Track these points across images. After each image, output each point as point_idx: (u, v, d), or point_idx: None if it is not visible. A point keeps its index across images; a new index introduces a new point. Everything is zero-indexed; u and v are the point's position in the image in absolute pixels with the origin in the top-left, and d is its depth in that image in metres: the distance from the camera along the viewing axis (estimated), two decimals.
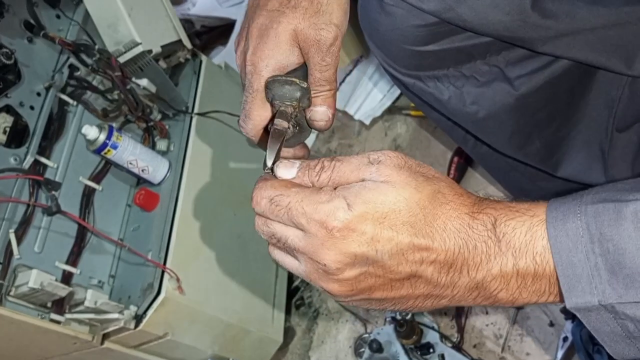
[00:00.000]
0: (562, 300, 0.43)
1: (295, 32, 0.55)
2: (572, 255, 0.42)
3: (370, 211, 0.44)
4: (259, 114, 0.57)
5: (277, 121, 0.54)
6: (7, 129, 1.01)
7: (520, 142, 0.83)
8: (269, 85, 0.55)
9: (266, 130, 0.58)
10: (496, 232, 0.44)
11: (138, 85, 1.15)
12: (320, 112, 0.57)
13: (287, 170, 0.49)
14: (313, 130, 0.58)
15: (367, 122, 1.51)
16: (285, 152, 0.60)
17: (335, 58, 0.56)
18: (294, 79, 0.54)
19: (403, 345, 1.13)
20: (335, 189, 0.46)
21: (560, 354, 1.04)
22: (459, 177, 1.30)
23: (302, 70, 0.56)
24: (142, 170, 1.12)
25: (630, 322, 0.41)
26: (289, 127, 0.54)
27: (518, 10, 0.67)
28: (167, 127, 1.23)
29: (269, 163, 0.51)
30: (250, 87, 0.56)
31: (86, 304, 0.95)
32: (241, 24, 0.60)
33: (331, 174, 0.47)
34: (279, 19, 0.55)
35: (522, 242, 0.44)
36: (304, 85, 0.54)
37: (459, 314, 1.18)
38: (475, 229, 0.44)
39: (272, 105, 0.56)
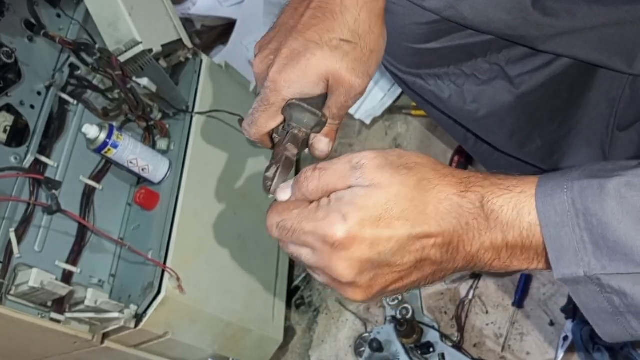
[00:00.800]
0: (549, 267, 0.45)
1: (328, 71, 0.56)
2: (559, 228, 0.44)
3: (365, 217, 0.46)
4: (266, 124, 0.59)
5: (289, 146, 0.57)
6: (8, 128, 1.01)
7: (521, 140, 0.83)
8: (291, 106, 0.57)
9: (269, 133, 0.61)
10: (484, 209, 0.46)
11: (138, 84, 1.15)
12: (323, 142, 0.60)
13: (284, 193, 0.52)
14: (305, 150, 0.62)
15: (368, 122, 1.51)
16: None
17: (349, 104, 0.59)
18: (316, 111, 0.57)
19: (403, 345, 1.13)
20: (329, 197, 0.48)
21: (560, 353, 1.04)
22: None
23: (319, 99, 0.58)
24: (143, 170, 1.12)
25: (616, 296, 0.43)
26: (298, 153, 0.58)
27: (519, 8, 0.67)
28: (167, 126, 1.23)
29: (272, 190, 0.54)
30: (266, 99, 0.57)
31: (86, 303, 0.95)
32: (269, 31, 0.61)
33: (318, 183, 0.49)
34: (315, 51, 0.56)
35: (509, 218, 0.46)
36: (324, 119, 0.58)
37: (459, 313, 1.18)
38: (464, 207, 0.47)
39: (287, 123, 0.59)
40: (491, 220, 0.46)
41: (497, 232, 0.46)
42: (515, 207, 0.46)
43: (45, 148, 1.06)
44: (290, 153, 0.57)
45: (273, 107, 0.57)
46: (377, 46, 0.58)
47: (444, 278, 0.50)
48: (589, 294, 0.44)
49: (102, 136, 1.06)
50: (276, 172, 0.55)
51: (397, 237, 0.46)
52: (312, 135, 0.60)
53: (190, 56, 1.30)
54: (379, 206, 0.46)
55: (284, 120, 0.59)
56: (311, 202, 0.49)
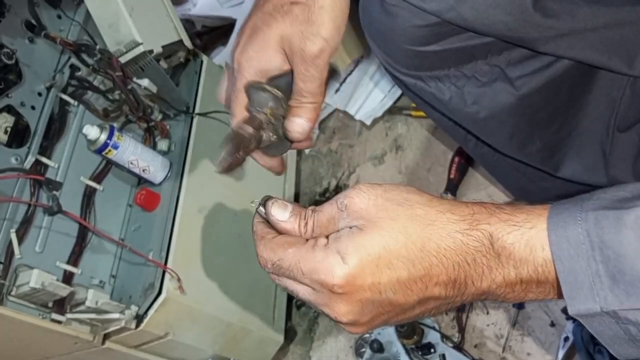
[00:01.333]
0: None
1: (282, 38, 0.54)
2: (574, 262, 0.42)
3: (363, 257, 0.44)
4: (241, 113, 0.56)
5: (241, 124, 0.53)
6: (8, 129, 1.01)
7: (521, 142, 0.83)
8: (248, 89, 0.54)
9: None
10: (494, 247, 0.44)
11: (139, 85, 1.15)
12: (296, 123, 0.56)
13: (280, 212, 0.49)
14: (289, 145, 0.58)
15: (368, 123, 1.51)
16: (260, 159, 0.60)
17: (320, 71, 0.54)
18: (268, 87, 0.54)
19: (404, 346, 1.13)
20: (327, 237, 0.47)
21: (561, 354, 1.04)
22: (460, 178, 1.30)
23: (287, 78, 0.55)
24: (143, 170, 1.12)
25: (633, 326, 0.41)
26: (256, 134, 0.54)
27: (519, 9, 0.67)
28: (168, 127, 1.23)
29: (216, 163, 0.51)
30: (234, 85, 0.55)
31: (87, 303, 0.95)
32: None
33: (313, 224, 0.48)
34: (269, 23, 0.54)
35: (522, 255, 0.44)
36: (278, 94, 0.54)
37: (460, 314, 1.18)
38: (470, 245, 0.44)
39: (248, 111, 0.56)
40: (503, 257, 0.44)
41: (510, 268, 0.44)
42: (528, 244, 0.43)
43: (45, 149, 1.06)
44: (241, 131, 0.53)
45: (240, 93, 0.55)
46: (329, 1, 0.54)
47: (450, 309, 0.49)
48: (605, 325, 0.42)
49: (103, 137, 1.06)
50: (227, 149, 0.52)
51: (398, 277, 0.44)
52: (287, 120, 0.56)
53: (190, 57, 1.30)
54: (376, 246, 0.44)
55: None
56: (307, 240, 0.48)
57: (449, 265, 0.44)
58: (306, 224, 0.48)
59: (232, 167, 0.53)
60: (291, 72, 0.55)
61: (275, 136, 0.55)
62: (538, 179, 0.90)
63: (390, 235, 0.44)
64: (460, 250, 0.44)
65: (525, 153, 0.84)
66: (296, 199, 1.57)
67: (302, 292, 0.47)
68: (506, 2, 0.67)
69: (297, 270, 0.46)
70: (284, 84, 0.55)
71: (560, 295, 0.44)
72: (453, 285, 0.45)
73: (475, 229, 0.45)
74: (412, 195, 0.46)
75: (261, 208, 0.50)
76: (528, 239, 0.44)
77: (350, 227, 0.46)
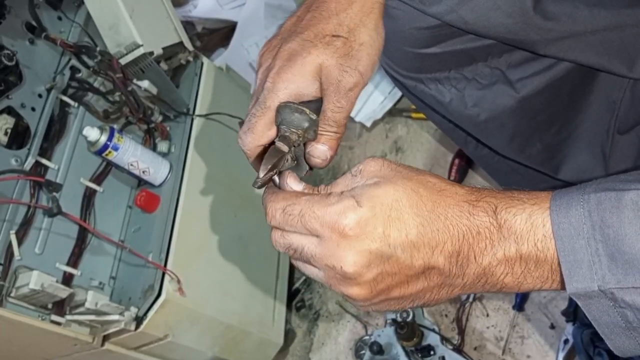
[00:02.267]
0: (564, 287, 0.44)
1: (321, 67, 0.55)
2: (574, 241, 0.43)
3: (377, 205, 0.45)
4: (263, 131, 0.57)
5: (278, 143, 0.55)
6: (9, 131, 1.01)
7: (521, 144, 0.83)
8: (280, 109, 0.55)
9: (264, 150, 0.58)
10: (497, 218, 0.45)
11: (139, 86, 1.15)
12: (320, 150, 0.57)
13: (296, 183, 0.51)
14: (307, 169, 0.59)
15: (368, 124, 1.51)
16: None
17: (350, 103, 0.57)
18: (305, 109, 0.55)
19: (404, 347, 1.13)
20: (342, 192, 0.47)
21: (560, 356, 1.04)
22: (460, 179, 1.30)
23: (316, 104, 0.57)
24: (143, 172, 1.12)
25: (630, 311, 0.42)
26: (288, 154, 0.55)
27: (520, 12, 0.67)
28: (168, 128, 1.23)
29: (261, 175, 0.52)
30: (263, 102, 0.56)
31: (87, 305, 0.95)
32: (271, 39, 0.61)
33: (327, 190, 0.49)
34: (310, 50, 0.55)
35: (523, 228, 0.45)
36: (314, 117, 0.55)
37: (460, 316, 1.18)
38: (476, 215, 0.45)
39: (278, 129, 0.56)
40: (504, 230, 0.45)
41: (511, 242, 0.45)
42: (529, 218, 0.45)
43: (46, 150, 1.06)
44: (280, 148, 0.54)
45: (270, 111, 0.56)
46: (368, 39, 0.57)
47: (451, 295, 0.49)
48: (602, 308, 0.43)
49: (103, 138, 1.06)
50: (262, 163, 0.53)
51: (407, 233, 0.45)
52: (310, 145, 0.57)
53: (191, 59, 1.30)
54: (389, 196, 0.45)
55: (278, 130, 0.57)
56: None
57: (454, 234, 0.45)
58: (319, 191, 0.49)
59: (267, 183, 0.54)
60: (319, 100, 0.57)
61: (295, 162, 0.57)
62: (538, 181, 0.90)
63: (403, 191, 0.46)
64: (467, 220, 0.45)
65: (525, 155, 0.84)
66: None
67: (308, 244, 0.47)
68: (506, 5, 0.67)
69: (309, 213, 0.46)
70: (313, 110, 0.56)
71: (557, 285, 0.45)
72: (457, 258, 0.45)
73: (482, 200, 0.46)
74: (424, 171, 0.49)
75: (275, 177, 0.52)
76: (530, 213, 0.45)
77: (362, 185, 0.47)
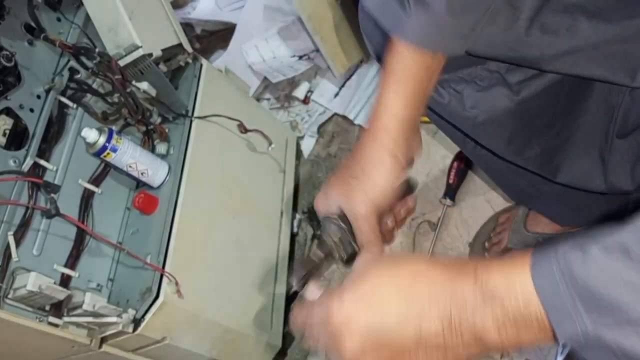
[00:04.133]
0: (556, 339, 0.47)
1: (340, 201, 0.71)
2: (553, 293, 0.45)
3: (357, 293, 0.50)
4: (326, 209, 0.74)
5: (314, 250, 0.69)
6: (7, 132, 1.01)
7: (519, 147, 0.83)
8: (322, 220, 0.71)
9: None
10: (477, 282, 0.48)
11: (138, 88, 1.15)
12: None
13: (311, 293, 0.59)
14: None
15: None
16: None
17: (370, 225, 0.69)
18: (336, 220, 0.69)
19: None
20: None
21: (559, 359, 1.04)
22: (459, 182, 1.30)
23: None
24: (142, 174, 1.12)
25: (620, 354, 0.43)
26: (325, 259, 0.69)
27: (518, 29, 0.68)
28: (166, 130, 1.23)
29: (294, 284, 0.66)
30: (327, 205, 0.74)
31: (84, 307, 0.95)
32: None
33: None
34: (336, 184, 0.73)
35: (504, 288, 0.47)
36: (343, 226, 0.69)
37: None
38: (458, 284, 0.48)
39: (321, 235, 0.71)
40: (487, 292, 0.47)
41: (496, 304, 0.46)
42: (509, 277, 0.47)
43: (44, 152, 1.05)
44: (314, 256, 0.68)
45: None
46: (382, 180, 0.70)
47: None
48: (595, 352, 0.45)
49: (102, 140, 1.06)
50: (296, 268, 0.67)
51: (390, 312, 0.48)
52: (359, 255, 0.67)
53: (190, 60, 1.30)
54: (371, 285, 0.50)
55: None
56: None
57: (441, 305, 0.47)
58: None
59: (305, 283, 0.68)
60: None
61: (321, 254, 0.70)
62: (536, 183, 0.90)
63: (387, 280, 0.50)
64: (450, 290, 0.48)
65: (523, 158, 0.84)
66: (294, 202, 1.56)
67: (321, 344, 0.53)
68: (504, 23, 0.67)
69: (311, 322, 0.54)
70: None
71: (551, 339, 0.47)
72: (449, 326, 0.47)
73: (462, 273, 0.49)
74: (404, 256, 0.55)
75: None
76: (508, 273, 0.47)
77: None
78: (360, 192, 0.68)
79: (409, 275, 0.50)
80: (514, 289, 0.46)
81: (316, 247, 0.69)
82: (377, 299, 0.49)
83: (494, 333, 0.47)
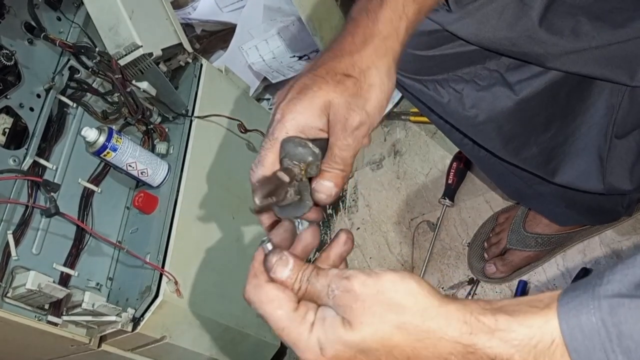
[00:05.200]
0: None
1: (330, 104, 0.56)
2: (590, 354, 0.39)
3: (340, 353, 0.43)
4: (273, 164, 0.56)
5: (279, 172, 0.55)
6: (7, 130, 1.01)
7: (517, 147, 0.83)
8: (284, 142, 0.56)
9: None
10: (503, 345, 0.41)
11: (138, 88, 1.15)
12: (325, 186, 0.56)
13: (281, 269, 0.49)
14: (311, 205, 0.58)
15: None
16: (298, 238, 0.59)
17: (357, 142, 0.57)
18: (308, 143, 0.55)
19: None
20: (315, 312, 0.46)
21: None
22: (458, 183, 1.30)
23: (321, 142, 0.57)
24: (141, 173, 1.12)
25: None
26: (290, 187, 0.55)
27: (525, 26, 0.67)
28: (166, 130, 1.23)
29: (256, 199, 0.51)
30: (272, 134, 0.56)
31: (84, 306, 0.95)
32: (290, 79, 0.61)
33: (305, 292, 0.47)
34: (320, 85, 0.56)
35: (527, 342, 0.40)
36: (317, 151, 0.56)
37: None
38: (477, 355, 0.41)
39: (281, 162, 0.57)
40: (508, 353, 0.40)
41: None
42: (534, 337, 0.40)
43: (44, 151, 1.06)
44: (280, 177, 0.54)
45: (278, 142, 0.56)
46: (378, 81, 0.57)
47: None
48: None
49: (101, 139, 1.06)
50: (258, 188, 0.52)
51: None
52: (315, 181, 0.57)
53: (190, 60, 1.30)
54: (356, 342, 0.42)
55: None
56: (298, 301, 0.47)
57: None
58: (300, 288, 0.47)
59: (263, 210, 0.54)
60: (326, 140, 0.57)
61: (298, 196, 0.56)
62: (534, 183, 0.91)
63: (372, 337, 0.42)
64: (462, 353, 0.41)
65: (521, 158, 0.85)
66: None
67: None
68: (512, 18, 0.67)
69: (282, 334, 0.46)
70: (317, 146, 0.57)
71: None
72: None
73: (478, 335, 0.41)
74: (409, 298, 0.43)
75: (269, 246, 0.51)
76: (534, 332, 0.40)
77: (338, 313, 0.44)
78: (358, 98, 0.56)
79: (410, 340, 0.42)
80: (550, 350, 0.40)
81: (280, 171, 0.55)
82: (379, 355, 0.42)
83: None
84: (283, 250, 0.49)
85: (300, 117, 0.55)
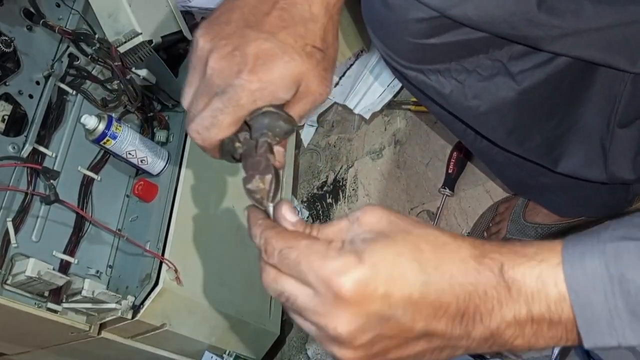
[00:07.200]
0: (580, 343, 0.41)
1: (302, 76, 0.54)
2: (590, 295, 0.40)
3: (379, 263, 0.41)
4: (229, 128, 0.55)
5: (270, 156, 0.54)
6: (6, 117, 1.01)
7: (521, 137, 0.83)
8: (265, 113, 0.54)
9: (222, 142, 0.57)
10: (505, 279, 0.42)
11: (138, 75, 1.15)
12: (281, 153, 0.57)
13: (291, 214, 0.48)
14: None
15: (367, 117, 1.50)
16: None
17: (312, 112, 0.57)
18: (290, 118, 0.54)
19: None
20: (342, 243, 0.44)
21: (556, 350, 1.04)
22: (458, 172, 1.30)
23: (281, 107, 0.56)
24: (141, 161, 1.12)
25: None
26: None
27: (525, 9, 0.67)
28: (166, 117, 1.23)
29: (270, 201, 0.51)
30: (235, 100, 0.53)
31: (83, 293, 0.95)
32: (219, 23, 0.56)
33: (318, 234, 0.45)
34: (293, 55, 0.53)
35: (533, 288, 0.42)
36: (296, 126, 0.55)
37: None
38: (482, 273, 0.42)
39: (256, 131, 0.55)
40: (513, 291, 0.41)
41: (521, 304, 0.41)
42: (540, 277, 0.41)
43: (43, 138, 1.05)
44: (271, 158, 0.54)
45: (242, 111, 0.53)
46: (336, 57, 0.58)
47: (453, 356, 0.45)
48: (623, 355, 0.41)
49: (101, 127, 1.06)
50: (271, 181, 0.52)
51: (410, 292, 0.41)
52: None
53: (189, 48, 1.29)
54: (390, 253, 0.41)
55: (248, 128, 0.55)
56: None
57: (459, 295, 0.41)
58: (311, 232, 0.46)
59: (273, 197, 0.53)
60: (282, 105, 0.56)
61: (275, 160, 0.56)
62: (536, 174, 0.90)
63: (404, 246, 0.42)
64: (473, 279, 0.42)
65: (524, 148, 0.84)
66: (294, 192, 1.56)
67: (301, 296, 0.43)
68: (511, 1, 0.66)
69: (306, 263, 0.42)
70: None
71: (573, 342, 0.42)
72: (461, 320, 0.42)
73: (486, 257, 0.42)
74: (424, 223, 0.45)
75: (270, 206, 0.50)
76: (539, 272, 0.41)
77: (362, 239, 0.43)
78: (327, 72, 0.56)
79: (433, 248, 0.42)
80: (546, 292, 0.41)
81: (267, 152, 0.54)
82: (398, 275, 0.41)
83: (508, 334, 0.42)
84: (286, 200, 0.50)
85: (271, 87, 0.53)
